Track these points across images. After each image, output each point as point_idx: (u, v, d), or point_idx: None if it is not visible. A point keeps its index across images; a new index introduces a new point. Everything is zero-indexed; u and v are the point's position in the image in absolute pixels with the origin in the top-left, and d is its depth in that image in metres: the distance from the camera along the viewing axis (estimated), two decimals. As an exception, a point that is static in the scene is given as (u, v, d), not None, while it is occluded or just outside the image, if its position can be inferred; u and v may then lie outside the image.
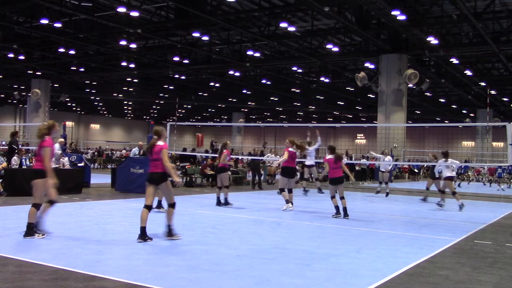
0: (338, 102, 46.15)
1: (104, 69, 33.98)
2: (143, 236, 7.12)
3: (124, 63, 31.28)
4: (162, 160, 7.26)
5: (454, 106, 44.51)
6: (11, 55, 29.84)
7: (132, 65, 31.82)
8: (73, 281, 4.96)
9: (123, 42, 25.62)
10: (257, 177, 19.68)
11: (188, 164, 20.22)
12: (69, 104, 54.27)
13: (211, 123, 62.26)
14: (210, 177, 19.41)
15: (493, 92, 34.68)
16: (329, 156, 11.10)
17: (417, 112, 46.76)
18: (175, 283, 5.09)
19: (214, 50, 28.30)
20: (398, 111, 25.14)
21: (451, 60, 27.17)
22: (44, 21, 21.52)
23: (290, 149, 12.06)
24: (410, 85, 25.12)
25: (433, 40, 22.12)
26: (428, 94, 37.94)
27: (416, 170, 35.42)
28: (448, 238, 8.72)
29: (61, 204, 11.77)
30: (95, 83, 42.64)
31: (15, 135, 16.53)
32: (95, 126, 68.23)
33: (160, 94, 47.25)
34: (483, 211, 14.52)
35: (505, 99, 41.26)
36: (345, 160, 14.88)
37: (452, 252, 7.46)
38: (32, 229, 7.11)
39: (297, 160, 13.81)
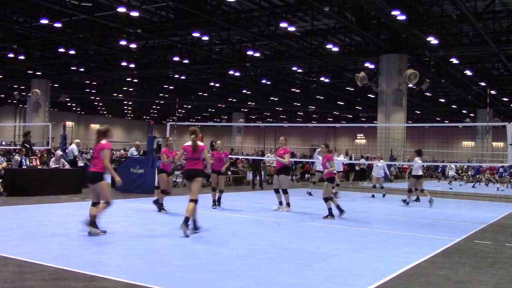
0: (338, 102, 46.15)
1: (104, 69, 33.98)
2: (185, 224, 7.68)
3: (124, 63, 31.28)
4: (202, 159, 8.08)
5: (454, 106, 44.50)
6: (11, 55, 29.84)
7: (132, 65, 31.82)
8: (73, 281, 4.96)
9: (123, 42, 25.62)
10: (257, 177, 19.67)
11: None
12: (69, 104, 54.28)
13: (211, 123, 62.24)
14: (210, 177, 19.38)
15: (493, 92, 34.67)
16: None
17: (417, 112, 46.76)
18: (175, 283, 5.09)
19: (214, 50, 28.30)
20: (398, 111, 25.14)
21: (451, 60, 27.17)
22: (44, 21, 21.51)
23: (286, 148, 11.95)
24: (410, 85, 25.12)
25: (433, 40, 22.12)
26: (428, 94, 37.92)
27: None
28: (448, 238, 8.72)
29: (61, 204, 11.79)
30: (95, 83, 42.64)
31: (27, 135, 16.64)
32: (95, 126, 68.20)
33: (160, 94, 47.25)
34: (483, 211, 14.52)
35: (505, 99, 41.26)
36: (345, 160, 15.00)
37: (452, 252, 7.46)
38: (95, 223, 7.57)
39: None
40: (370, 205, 14.78)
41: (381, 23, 22.75)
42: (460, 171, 33.61)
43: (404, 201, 14.92)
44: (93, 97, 50.79)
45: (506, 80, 33.58)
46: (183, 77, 38.22)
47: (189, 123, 60.76)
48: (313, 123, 61.03)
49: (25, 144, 15.93)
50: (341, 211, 10.87)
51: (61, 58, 31.28)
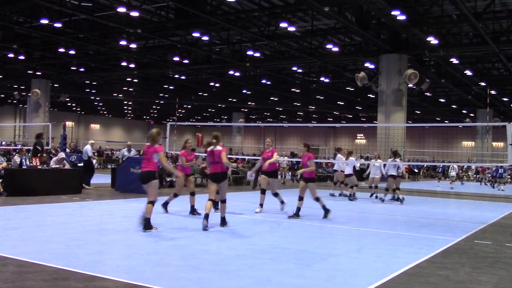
0: (338, 102, 46.14)
1: (104, 69, 33.97)
2: (205, 220, 8.47)
3: (124, 63, 31.27)
4: (222, 162, 8.79)
5: (454, 106, 44.49)
6: (11, 55, 29.82)
7: (132, 65, 31.81)
8: (73, 281, 4.96)
9: (123, 42, 25.61)
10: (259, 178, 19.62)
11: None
12: (69, 104, 54.25)
13: (211, 123, 62.21)
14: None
15: (493, 92, 34.66)
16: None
17: (417, 112, 46.74)
18: (175, 283, 5.09)
19: (214, 50, 28.29)
20: (398, 111, 25.14)
21: (451, 60, 27.16)
22: (44, 21, 21.50)
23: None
24: (410, 85, 25.11)
25: (433, 40, 22.11)
26: (428, 94, 37.91)
27: (416, 170, 35.44)
28: (448, 238, 8.72)
29: (61, 204, 11.79)
30: (95, 83, 42.62)
31: (40, 137, 16.72)
32: (95, 126, 68.22)
33: (160, 94, 47.24)
34: (483, 211, 14.52)
35: (505, 99, 41.24)
36: (359, 162, 15.31)
37: (452, 252, 7.46)
38: (149, 223, 8.05)
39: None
40: (370, 205, 14.78)
41: (381, 23, 22.75)
42: (460, 171, 33.59)
43: (378, 197, 15.59)
44: (93, 97, 50.75)
45: (506, 80, 33.57)
46: (183, 77, 38.21)
47: (189, 123, 61.06)
48: (313, 123, 61.03)
49: (37, 146, 16.03)
50: (326, 211, 10.64)
51: (61, 58, 31.27)
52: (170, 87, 43.12)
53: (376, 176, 16.55)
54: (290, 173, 26.39)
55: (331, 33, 25.04)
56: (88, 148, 16.94)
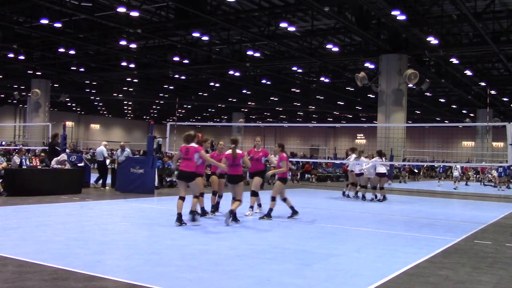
0: (338, 102, 46.13)
1: (104, 69, 33.96)
2: (229, 218, 9.19)
3: (124, 63, 31.26)
4: (240, 165, 9.88)
5: (454, 106, 44.48)
6: (11, 55, 29.81)
7: (132, 65, 31.80)
8: (73, 281, 4.96)
9: (123, 42, 25.60)
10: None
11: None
12: (69, 104, 54.24)
13: (211, 123, 62.24)
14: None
15: (493, 92, 34.65)
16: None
17: (417, 112, 46.74)
18: (175, 283, 5.09)
19: (214, 50, 28.29)
20: (398, 111, 25.13)
21: (451, 60, 27.15)
22: (44, 21, 21.49)
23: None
24: (410, 85, 25.10)
25: (433, 40, 22.10)
26: (428, 94, 37.90)
27: (416, 170, 35.44)
28: (448, 238, 8.72)
29: (61, 204, 11.79)
30: (95, 83, 42.61)
31: (56, 137, 16.74)
32: (95, 126, 68.20)
33: (160, 94, 47.23)
34: (483, 211, 14.53)
35: (505, 99, 41.23)
36: (382, 161, 15.47)
37: (452, 252, 7.46)
38: (195, 216, 8.98)
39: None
40: (370, 205, 14.77)
41: (381, 23, 22.74)
42: (466, 172, 33.58)
43: (362, 196, 15.81)
44: (93, 97, 50.74)
45: (506, 80, 33.56)
46: (183, 77, 38.20)
47: (189, 123, 61.10)
48: (313, 123, 61.01)
49: (56, 147, 16.10)
50: (294, 212, 10.51)
51: (61, 58, 31.26)
52: (170, 87, 43.12)
53: (372, 177, 16.44)
54: (290, 173, 26.35)
55: (331, 33, 25.03)
56: (103, 149, 17.26)
